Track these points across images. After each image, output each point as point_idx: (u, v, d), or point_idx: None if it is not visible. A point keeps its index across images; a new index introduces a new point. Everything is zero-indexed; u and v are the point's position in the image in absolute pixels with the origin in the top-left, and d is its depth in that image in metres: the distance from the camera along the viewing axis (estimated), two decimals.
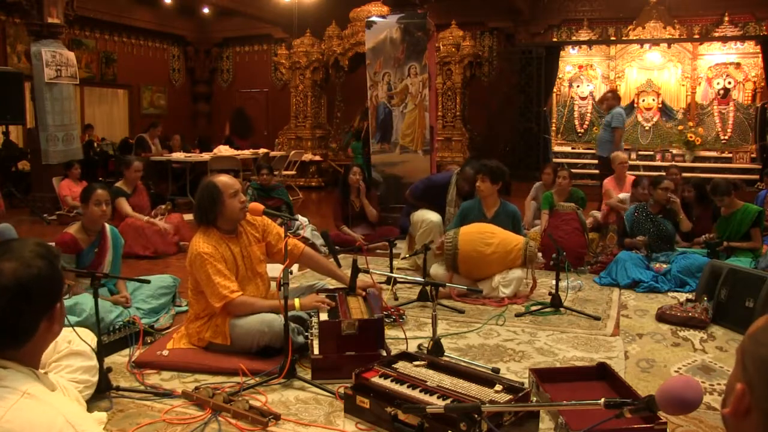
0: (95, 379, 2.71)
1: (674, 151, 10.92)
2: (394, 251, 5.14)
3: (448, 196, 5.46)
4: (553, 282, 4.28)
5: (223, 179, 3.30)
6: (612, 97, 8.51)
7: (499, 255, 4.45)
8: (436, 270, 4.68)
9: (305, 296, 3.42)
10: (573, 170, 10.44)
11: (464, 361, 3.19)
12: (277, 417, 2.56)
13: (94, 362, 2.72)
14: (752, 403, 0.91)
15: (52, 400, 1.23)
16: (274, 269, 3.75)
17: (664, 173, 6.85)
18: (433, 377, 2.61)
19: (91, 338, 2.80)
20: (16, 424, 1.15)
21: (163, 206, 6.22)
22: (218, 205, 3.21)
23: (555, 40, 12.08)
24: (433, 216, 5.30)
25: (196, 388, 2.77)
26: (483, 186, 4.79)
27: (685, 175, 6.73)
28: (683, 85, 11.17)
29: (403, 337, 3.38)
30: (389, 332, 3.50)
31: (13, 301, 1.23)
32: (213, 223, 3.26)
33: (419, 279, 3.88)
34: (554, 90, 11.72)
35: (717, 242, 5.15)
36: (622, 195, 6.45)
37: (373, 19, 7.48)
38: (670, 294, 4.69)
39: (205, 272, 3.13)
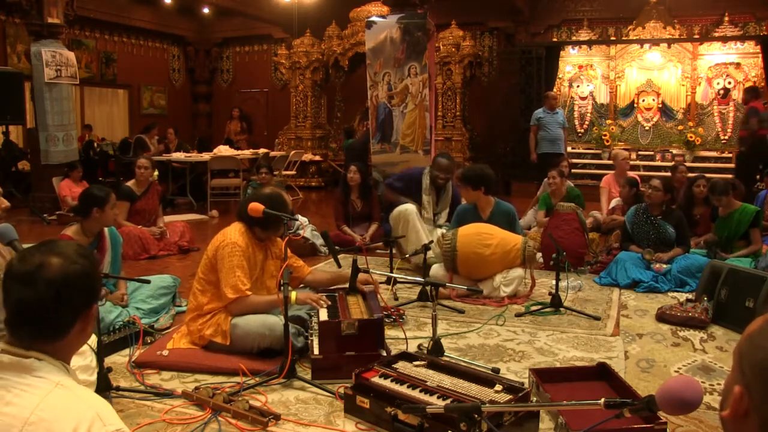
0: (93, 378, 2.71)
1: (674, 151, 10.92)
2: (395, 251, 5.14)
3: (423, 184, 5.63)
4: (553, 282, 4.27)
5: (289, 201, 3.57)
6: (555, 97, 9.13)
7: (498, 256, 4.45)
8: (436, 270, 4.68)
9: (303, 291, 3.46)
10: (573, 170, 10.54)
11: (464, 361, 3.19)
12: (277, 417, 2.57)
13: (90, 362, 2.72)
14: (750, 407, 0.90)
15: (83, 394, 1.27)
16: None
17: (669, 173, 6.88)
18: (433, 377, 2.61)
19: (92, 338, 2.80)
20: (50, 413, 1.18)
21: (156, 229, 6.14)
22: (279, 222, 3.35)
23: (555, 40, 12.07)
24: (406, 205, 5.46)
25: (196, 388, 2.77)
26: (467, 195, 4.87)
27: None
28: (683, 85, 11.16)
29: (403, 337, 3.38)
30: (389, 332, 3.50)
31: (57, 295, 1.27)
32: (256, 226, 3.34)
33: (419, 279, 3.89)
34: (554, 90, 11.72)
35: (716, 242, 5.14)
36: (614, 202, 6.46)
37: (373, 19, 7.48)
38: (670, 294, 4.69)
39: (230, 261, 3.19)
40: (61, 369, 1.29)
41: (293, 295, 3.24)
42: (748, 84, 10.70)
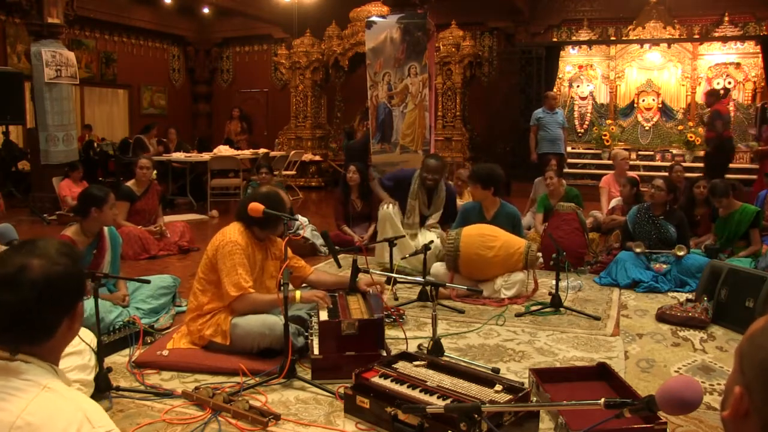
0: (91, 377, 2.71)
1: (674, 151, 10.92)
2: (395, 251, 5.13)
3: (411, 188, 5.55)
4: (553, 282, 4.28)
5: (287, 200, 3.55)
6: (555, 97, 9.05)
7: (500, 258, 4.45)
8: (437, 270, 4.68)
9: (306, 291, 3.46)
10: (573, 170, 10.56)
11: (464, 361, 3.19)
12: (277, 417, 2.57)
13: (88, 361, 2.72)
14: (751, 407, 0.90)
15: (71, 396, 1.25)
16: None
17: (667, 173, 6.88)
18: (433, 377, 2.61)
19: (91, 338, 2.80)
20: (37, 416, 1.17)
21: (154, 228, 6.14)
22: (278, 221, 3.34)
23: (555, 40, 12.07)
24: (386, 208, 5.46)
25: (196, 388, 2.77)
26: (475, 193, 4.86)
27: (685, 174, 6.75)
28: (683, 85, 11.16)
29: (403, 337, 3.38)
30: (389, 332, 3.50)
31: (40, 297, 1.26)
32: (255, 225, 3.34)
33: (419, 279, 3.88)
34: (554, 90, 11.72)
35: (717, 248, 5.14)
36: (614, 202, 6.45)
37: (373, 19, 7.48)
38: (670, 294, 4.69)
39: (231, 260, 3.20)
40: (49, 371, 1.28)
41: (297, 294, 3.25)
42: (749, 84, 10.72)
